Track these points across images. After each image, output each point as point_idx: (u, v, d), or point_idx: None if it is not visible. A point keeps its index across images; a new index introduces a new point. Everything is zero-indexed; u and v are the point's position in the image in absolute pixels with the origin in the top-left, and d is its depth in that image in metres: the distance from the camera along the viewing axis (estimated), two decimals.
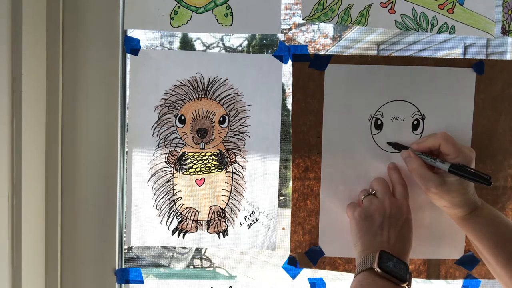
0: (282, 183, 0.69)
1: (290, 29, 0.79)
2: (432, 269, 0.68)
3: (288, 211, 0.67)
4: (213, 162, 0.66)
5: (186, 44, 0.73)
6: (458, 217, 0.59)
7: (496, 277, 0.58)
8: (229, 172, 0.67)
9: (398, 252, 0.54)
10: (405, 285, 0.51)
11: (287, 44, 0.65)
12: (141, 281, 0.68)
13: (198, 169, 0.66)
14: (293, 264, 0.67)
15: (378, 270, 0.50)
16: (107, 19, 0.64)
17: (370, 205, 0.59)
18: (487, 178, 0.55)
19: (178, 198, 0.67)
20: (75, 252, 0.66)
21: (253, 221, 0.67)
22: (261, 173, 0.67)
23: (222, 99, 0.66)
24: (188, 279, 0.71)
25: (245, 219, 0.68)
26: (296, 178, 0.66)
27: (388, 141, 0.65)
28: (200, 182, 0.67)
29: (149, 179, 0.66)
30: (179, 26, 0.63)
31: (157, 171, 0.66)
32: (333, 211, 0.66)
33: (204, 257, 0.93)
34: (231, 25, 0.64)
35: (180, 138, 0.66)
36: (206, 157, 0.66)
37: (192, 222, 0.67)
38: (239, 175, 0.67)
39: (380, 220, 0.57)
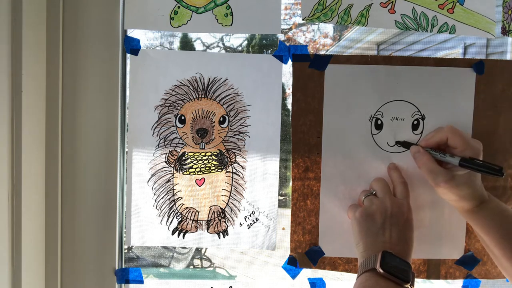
0: (282, 183, 0.69)
1: (290, 29, 0.79)
2: (432, 269, 0.68)
3: (288, 211, 0.67)
4: (213, 162, 0.66)
5: (186, 44, 0.73)
6: (466, 210, 0.59)
7: (502, 270, 0.58)
8: (229, 172, 0.67)
9: (400, 252, 0.54)
10: (408, 285, 0.51)
11: (287, 44, 0.65)
12: (141, 281, 0.68)
13: (198, 169, 0.66)
14: (293, 264, 0.67)
15: (381, 270, 0.50)
16: (107, 19, 0.64)
17: (371, 205, 0.59)
18: (498, 169, 0.55)
19: (178, 198, 0.67)
20: (75, 252, 0.66)
21: (253, 221, 0.68)
22: (261, 173, 0.67)
23: (222, 99, 0.66)
24: (188, 279, 0.71)
25: (245, 219, 0.68)
26: (296, 178, 0.66)
27: (396, 140, 0.65)
28: (200, 182, 0.67)
29: (149, 179, 0.66)
30: (179, 26, 0.63)
31: (157, 171, 0.66)
32: (333, 211, 0.66)
33: (204, 257, 0.93)
34: (231, 25, 0.64)
35: (180, 138, 0.66)
36: (206, 157, 0.66)
37: (192, 222, 0.67)
38: (239, 175, 0.67)
39: (381, 220, 0.56)
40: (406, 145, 0.64)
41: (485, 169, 0.55)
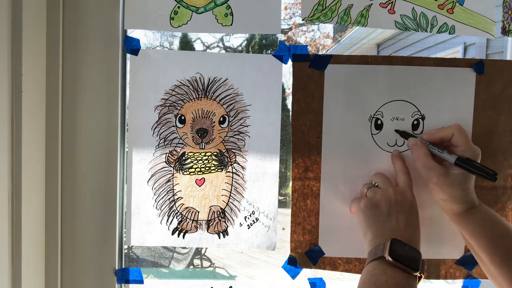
0: (282, 183, 0.69)
1: (290, 29, 0.79)
2: (432, 269, 0.68)
3: (288, 211, 0.67)
4: (213, 162, 0.66)
5: (186, 44, 0.73)
6: (455, 213, 0.59)
7: (488, 277, 0.57)
8: (229, 172, 0.67)
9: (410, 239, 0.53)
10: (417, 273, 0.50)
11: (287, 44, 0.65)
12: (141, 281, 0.68)
13: (198, 169, 0.66)
14: (293, 264, 0.67)
15: (390, 259, 0.50)
16: (107, 19, 0.64)
17: (374, 195, 0.59)
18: (492, 173, 0.55)
19: (178, 198, 0.67)
20: (75, 252, 0.66)
21: (253, 221, 0.68)
22: (261, 173, 0.67)
23: (222, 99, 0.66)
24: (188, 279, 0.71)
25: (245, 219, 0.68)
26: (296, 178, 0.66)
27: (395, 129, 0.65)
28: (200, 182, 0.67)
29: (149, 179, 0.66)
30: (179, 26, 0.63)
31: (157, 171, 0.66)
32: (333, 211, 0.66)
33: (204, 257, 0.93)
34: (231, 25, 0.64)
35: (180, 138, 0.66)
36: (206, 157, 0.66)
37: (192, 222, 0.67)
38: (239, 175, 0.67)
39: (386, 207, 0.56)
40: (404, 135, 0.64)
41: (479, 171, 0.55)
